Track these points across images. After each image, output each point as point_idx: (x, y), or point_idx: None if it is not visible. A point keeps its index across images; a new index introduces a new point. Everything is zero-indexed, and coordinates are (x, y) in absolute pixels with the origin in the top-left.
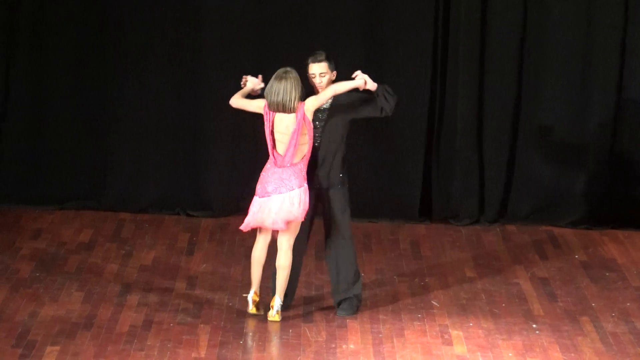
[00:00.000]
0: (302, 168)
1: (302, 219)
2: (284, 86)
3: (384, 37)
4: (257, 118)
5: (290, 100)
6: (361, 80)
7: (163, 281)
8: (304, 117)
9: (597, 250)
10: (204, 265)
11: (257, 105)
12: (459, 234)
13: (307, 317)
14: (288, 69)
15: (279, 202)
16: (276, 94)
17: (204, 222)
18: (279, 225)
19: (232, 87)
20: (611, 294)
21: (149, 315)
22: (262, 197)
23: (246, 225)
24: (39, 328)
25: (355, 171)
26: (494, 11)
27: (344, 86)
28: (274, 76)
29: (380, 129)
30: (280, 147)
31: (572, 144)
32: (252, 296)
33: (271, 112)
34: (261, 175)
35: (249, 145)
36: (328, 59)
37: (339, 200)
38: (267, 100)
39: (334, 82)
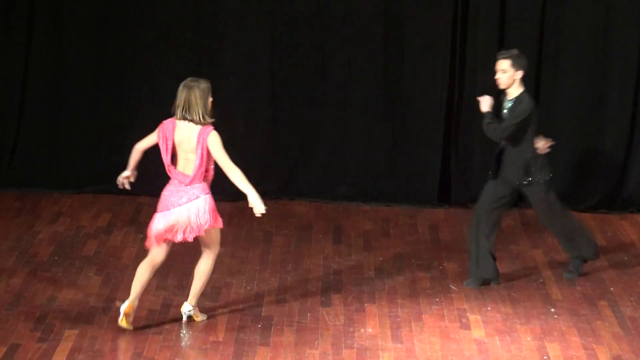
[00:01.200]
0: (203, 178)
1: (215, 226)
2: (193, 94)
3: (403, 26)
4: (274, 105)
5: (197, 111)
6: None
7: (181, 265)
8: (204, 142)
9: (616, 234)
10: (222, 250)
11: (153, 137)
12: None
13: (325, 301)
14: (198, 79)
15: (184, 213)
16: (182, 100)
17: (222, 206)
18: (189, 238)
19: (252, 77)
20: (630, 279)
21: (167, 299)
22: (162, 211)
23: (153, 242)
24: (58, 312)
25: (374, 155)
26: (512, 10)
27: (241, 183)
28: (182, 84)
29: (400, 114)
30: (181, 164)
31: (590, 129)
32: (124, 308)
33: (170, 128)
34: (162, 194)
35: (265, 130)
36: (513, 58)
37: (535, 194)
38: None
39: (522, 80)
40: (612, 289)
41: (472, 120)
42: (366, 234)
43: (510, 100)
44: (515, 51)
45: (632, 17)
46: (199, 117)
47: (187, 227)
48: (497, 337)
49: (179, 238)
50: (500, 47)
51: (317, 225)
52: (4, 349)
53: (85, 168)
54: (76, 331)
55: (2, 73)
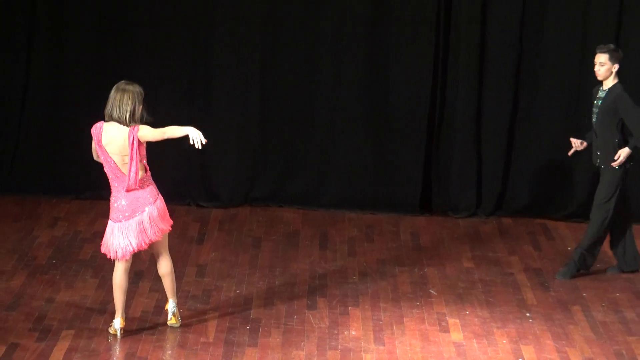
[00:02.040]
0: (149, 181)
1: (169, 228)
2: (120, 97)
3: (388, 39)
4: (263, 114)
5: (123, 112)
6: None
7: (174, 269)
8: (135, 140)
9: None
10: (213, 254)
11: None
12: (457, 226)
13: (311, 304)
14: (130, 82)
15: (145, 221)
16: (112, 105)
17: (214, 212)
18: (155, 239)
19: (241, 86)
20: (601, 285)
21: (159, 301)
22: (119, 221)
23: (122, 255)
24: (55, 312)
25: (359, 164)
26: (493, 13)
27: (177, 131)
28: (115, 86)
29: (384, 124)
30: (124, 168)
31: (566, 142)
32: (119, 323)
33: (99, 131)
34: (111, 201)
35: (255, 140)
36: (610, 51)
37: (607, 176)
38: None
39: (617, 73)
40: (584, 294)
41: (452, 133)
42: (351, 240)
43: (604, 90)
44: (611, 46)
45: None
46: (126, 119)
47: (156, 229)
48: (474, 340)
49: (144, 246)
50: (480, 68)
51: (304, 231)
52: (4, 348)
53: (83, 175)
54: (73, 331)
55: (3, 83)
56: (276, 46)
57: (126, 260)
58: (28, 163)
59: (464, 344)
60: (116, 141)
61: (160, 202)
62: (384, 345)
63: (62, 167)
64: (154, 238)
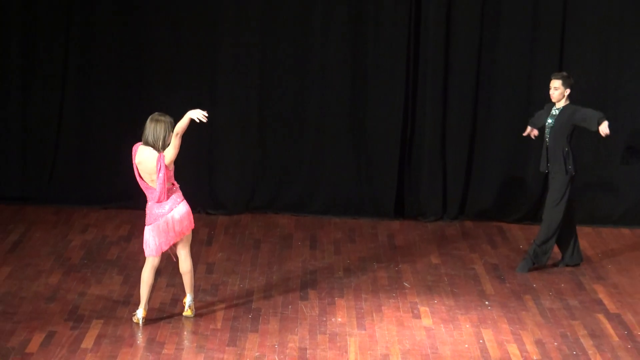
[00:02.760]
0: (175, 191)
1: (189, 231)
2: (155, 126)
3: (366, 74)
4: (261, 134)
5: (157, 139)
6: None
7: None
8: (162, 166)
9: None
10: (220, 254)
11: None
12: (426, 229)
13: (303, 296)
14: (163, 114)
15: (168, 224)
16: (149, 131)
17: (220, 219)
18: (175, 240)
19: (242, 102)
20: (549, 277)
21: (175, 295)
22: (149, 224)
23: (150, 253)
24: (87, 304)
25: (339, 177)
26: (455, 34)
27: (182, 124)
28: (149, 118)
29: (363, 143)
30: (153, 184)
31: (518, 157)
32: (141, 313)
33: (135, 151)
34: (146, 208)
35: (254, 156)
36: (563, 78)
37: (557, 182)
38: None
39: (568, 96)
40: (534, 285)
41: (421, 149)
42: (336, 242)
43: (557, 108)
44: (564, 73)
45: (551, 69)
46: (159, 145)
47: (175, 231)
48: (442, 325)
49: (172, 242)
50: (444, 91)
51: (297, 234)
52: (43, 335)
53: (110, 188)
54: (102, 320)
55: (42, 109)
56: (274, 82)
57: (154, 257)
58: (63, 178)
59: (433, 328)
60: (147, 163)
61: (183, 207)
62: (365, 330)
63: (92, 181)
64: (174, 239)
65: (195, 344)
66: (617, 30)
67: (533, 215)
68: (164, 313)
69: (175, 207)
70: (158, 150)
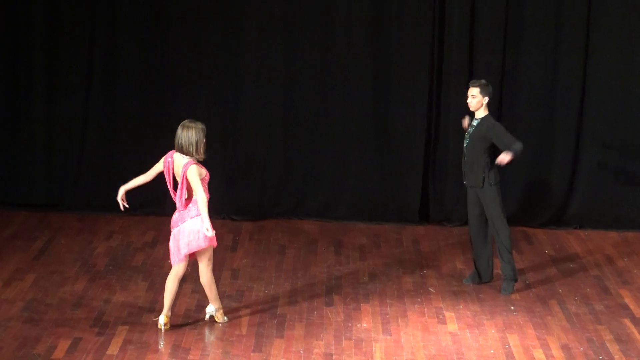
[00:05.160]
0: (193, 203)
1: (208, 245)
2: (186, 132)
3: (389, 77)
4: (285, 142)
5: (189, 144)
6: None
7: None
8: (185, 174)
9: (563, 246)
10: (245, 260)
11: (159, 166)
12: (451, 234)
13: (328, 301)
14: (193, 121)
15: (179, 233)
16: (180, 137)
17: (245, 225)
18: (185, 251)
19: (266, 108)
20: (574, 282)
21: (200, 301)
22: (172, 228)
23: (177, 258)
24: (112, 311)
25: (364, 182)
26: (479, 36)
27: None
28: (180, 125)
29: (388, 149)
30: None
31: (542, 161)
32: (163, 319)
33: (170, 160)
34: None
35: (279, 165)
36: (481, 86)
37: (487, 197)
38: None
39: (487, 105)
40: (560, 290)
41: (446, 152)
42: (361, 247)
43: (477, 119)
44: (483, 81)
45: (575, 73)
46: (192, 150)
47: (183, 242)
48: (467, 330)
49: (185, 252)
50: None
51: (322, 240)
52: (69, 341)
53: (134, 195)
54: (127, 327)
55: (67, 119)
56: (298, 88)
57: (176, 264)
58: (88, 184)
59: (459, 333)
60: (177, 168)
61: (194, 222)
62: (391, 335)
63: (116, 187)
64: (184, 249)
65: (220, 350)
66: None
67: (557, 220)
68: (189, 319)
69: (189, 220)
70: (191, 155)
